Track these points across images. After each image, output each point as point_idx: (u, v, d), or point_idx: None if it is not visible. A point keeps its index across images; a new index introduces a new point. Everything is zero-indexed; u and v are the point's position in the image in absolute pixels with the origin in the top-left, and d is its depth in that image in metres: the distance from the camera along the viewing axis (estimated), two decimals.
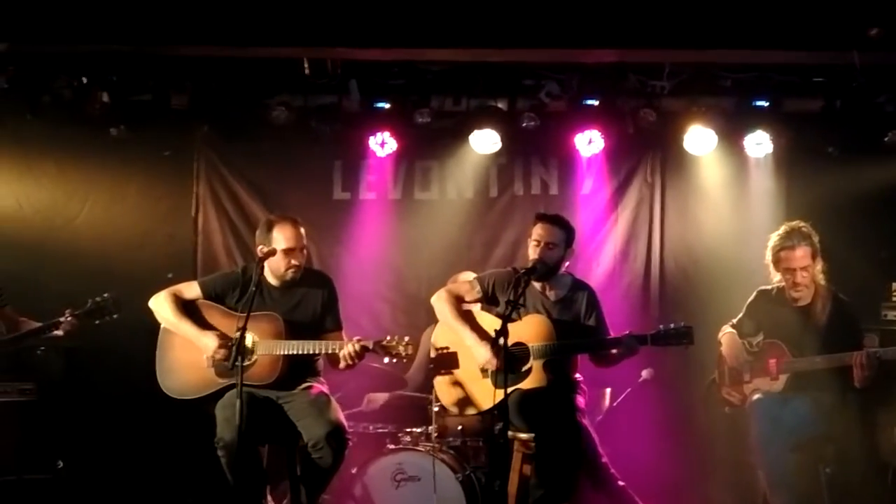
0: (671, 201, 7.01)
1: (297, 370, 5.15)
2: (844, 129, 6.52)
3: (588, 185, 7.00)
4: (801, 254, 5.34)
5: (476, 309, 5.44)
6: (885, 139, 6.42)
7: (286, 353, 5.04)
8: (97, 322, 5.57)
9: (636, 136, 6.69)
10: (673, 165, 6.97)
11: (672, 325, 5.15)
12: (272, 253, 5.10)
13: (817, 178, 6.63)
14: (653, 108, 6.49)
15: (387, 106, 6.72)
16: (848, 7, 5.63)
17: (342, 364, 5.05)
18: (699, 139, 6.53)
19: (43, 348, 6.10)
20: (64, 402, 6.26)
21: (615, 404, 6.27)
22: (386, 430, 5.86)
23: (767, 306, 5.51)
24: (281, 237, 5.15)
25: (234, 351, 4.69)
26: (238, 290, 5.22)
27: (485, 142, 6.63)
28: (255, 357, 5.05)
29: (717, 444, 6.37)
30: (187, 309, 5.19)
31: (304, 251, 5.28)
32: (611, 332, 5.28)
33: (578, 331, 5.25)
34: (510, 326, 4.84)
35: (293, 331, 5.10)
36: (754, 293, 5.59)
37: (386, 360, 5.08)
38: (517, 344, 5.09)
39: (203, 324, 5.16)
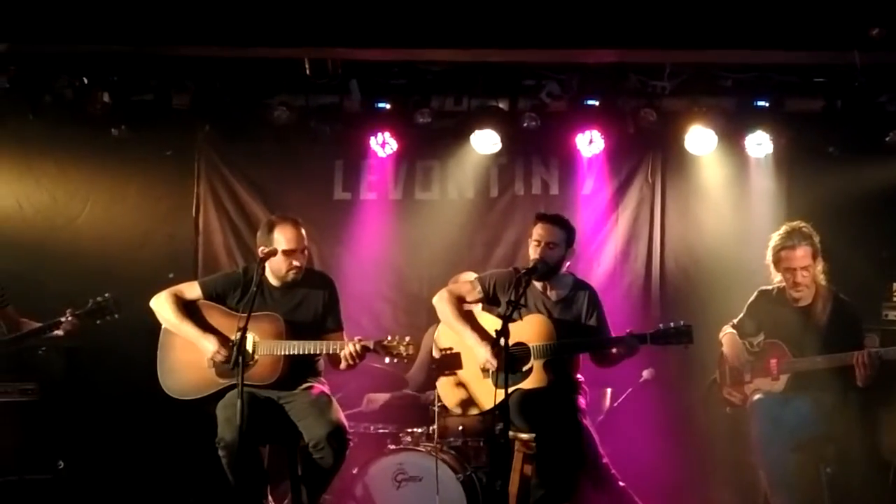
0: (672, 201, 7.01)
1: (298, 370, 5.15)
2: (845, 129, 6.51)
3: (589, 185, 7.00)
4: (802, 254, 5.34)
5: (477, 309, 5.45)
6: (886, 139, 6.41)
7: (287, 353, 5.05)
8: (98, 322, 5.57)
9: (637, 136, 6.69)
10: (674, 165, 6.97)
11: (672, 325, 5.15)
12: (273, 253, 5.11)
13: (818, 178, 6.63)
14: (653, 108, 6.49)
15: (387, 106, 6.72)
16: (849, 7, 5.63)
17: (343, 364, 5.06)
18: (700, 139, 6.52)
19: (44, 348, 6.09)
20: (65, 403, 6.26)
21: (616, 404, 6.27)
22: (387, 431, 5.86)
23: (768, 306, 5.51)
24: (282, 238, 5.15)
25: (235, 351, 4.70)
26: (239, 291, 5.23)
27: (485, 142, 6.63)
28: (255, 357, 5.06)
29: (718, 445, 6.36)
30: (188, 309, 5.20)
31: (306, 252, 5.28)
32: (612, 332, 5.28)
33: (579, 330, 5.25)
34: (511, 326, 4.84)
35: (294, 331, 5.11)
36: (755, 293, 5.60)
37: (387, 360, 5.09)
38: (518, 344, 5.09)
39: (204, 324, 5.16)
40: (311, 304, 5.25)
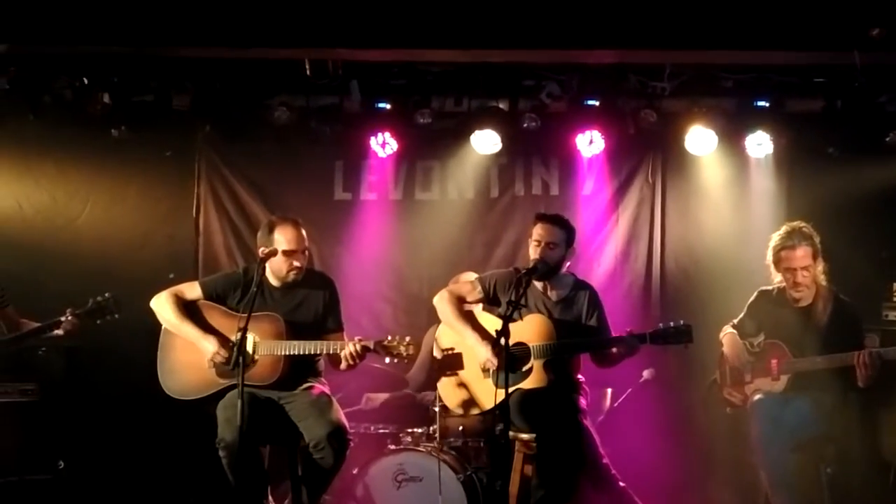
0: (672, 202, 7.01)
1: (298, 370, 5.15)
2: (845, 130, 6.51)
3: (589, 185, 7.00)
4: (802, 254, 5.34)
5: (478, 310, 5.45)
6: (886, 139, 6.41)
7: (287, 353, 5.05)
8: (98, 321, 5.56)
9: (637, 136, 6.69)
10: (674, 166, 6.97)
11: (672, 324, 5.14)
12: (273, 253, 5.11)
13: (818, 179, 6.63)
14: (653, 109, 6.49)
15: (388, 106, 6.72)
16: (849, 7, 5.63)
17: (343, 364, 5.06)
18: (700, 140, 6.52)
19: (44, 349, 6.10)
20: (65, 403, 6.26)
21: (616, 405, 6.27)
22: (387, 431, 5.86)
23: (768, 307, 5.51)
24: (282, 239, 5.15)
25: (235, 351, 4.70)
26: (239, 291, 5.23)
27: (486, 142, 6.63)
28: (256, 357, 5.06)
29: (718, 445, 6.36)
30: (188, 310, 5.20)
31: (306, 253, 5.28)
32: (612, 333, 5.28)
33: (580, 330, 5.25)
34: (511, 326, 4.83)
35: (294, 331, 5.11)
36: (755, 293, 5.60)
37: (387, 360, 5.09)
38: (518, 344, 5.09)
39: (204, 325, 5.16)
40: (312, 305, 5.26)
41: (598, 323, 5.29)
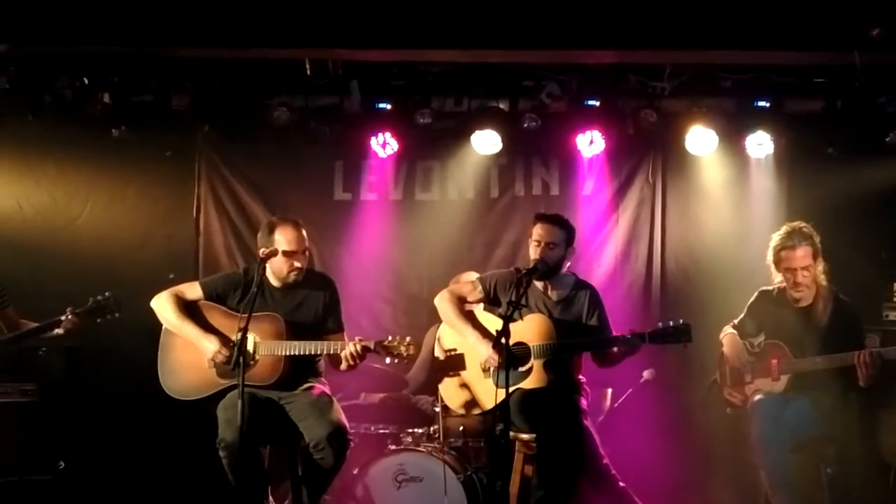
0: (672, 202, 7.01)
1: (298, 371, 5.15)
2: (845, 130, 6.52)
3: (589, 185, 7.00)
4: (802, 254, 5.34)
5: (478, 310, 5.45)
6: (886, 140, 6.41)
7: (288, 353, 5.05)
8: (98, 321, 5.52)
9: (637, 136, 6.69)
10: (674, 166, 6.98)
11: (671, 323, 5.13)
12: (274, 254, 5.11)
13: (818, 179, 6.63)
14: (653, 109, 6.49)
15: (388, 107, 6.72)
16: (849, 7, 5.63)
17: (343, 365, 5.06)
18: (700, 140, 6.52)
19: (44, 349, 6.10)
20: (65, 403, 6.26)
21: (616, 405, 6.27)
22: (387, 431, 5.86)
23: (769, 307, 5.51)
24: (283, 239, 5.15)
25: (236, 352, 4.70)
26: (240, 291, 5.23)
27: (486, 142, 6.63)
28: (256, 358, 5.06)
29: (718, 445, 6.36)
30: (189, 310, 5.20)
31: (307, 253, 5.28)
32: (613, 332, 5.28)
33: (580, 330, 5.25)
34: (512, 326, 4.83)
35: (294, 332, 5.11)
36: (755, 294, 5.60)
37: (387, 360, 5.09)
38: (518, 343, 5.09)
39: (205, 325, 5.16)
40: (312, 305, 5.26)
41: (598, 322, 5.28)
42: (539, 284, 5.30)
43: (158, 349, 5.23)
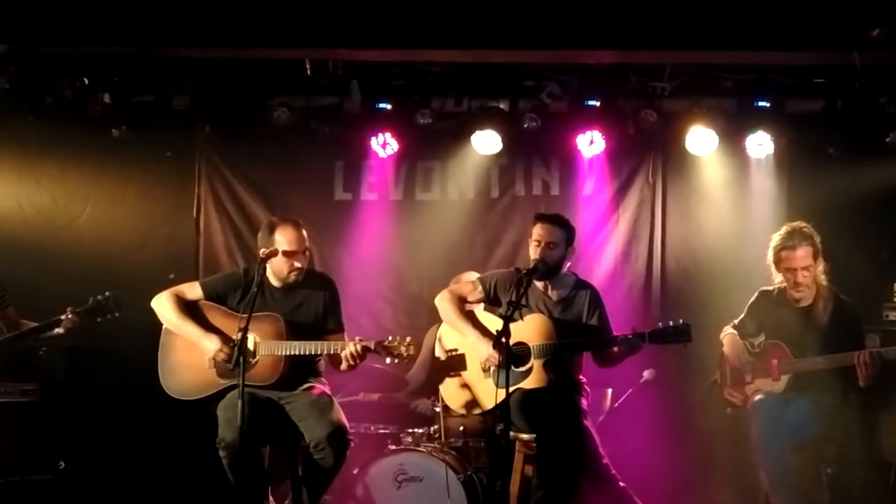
0: (672, 202, 7.01)
1: (298, 371, 5.15)
2: (845, 130, 6.52)
3: (589, 185, 7.00)
4: (803, 254, 5.35)
5: (479, 310, 5.45)
6: (887, 140, 6.41)
7: (288, 353, 5.05)
8: (98, 320, 5.51)
9: (637, 136, 6.69)
10: (674, 166, 6.97)
11: (671, 323, 5.12)
12: (274, 254, 5.11)
13: (818, 179, 6.63)
14: (654, 109, 6.49)
15: (388, 107, 6.72)
16: (849, 7, 5.63)
17: (344, 365, 5.06)
18: (700, 140, 6.52)
19: (45, 349, 6.10)
20: (66, 403, 6.26)
21: (616, 405, 6.27)
22: (387, 431, 5.86)
23: (769, 307, 5.52)
24: (283, 239, 5.15)
25: (236, 351, 4.70)
26: (240, 291, 5.23)
27: (486, 142, 6.63)
28: (256, 358, 5.06)
29: (719, 445, 6.36)
30: (189, 310, 5.20)
31: (307, 253, 5.28)
32: (614, 332, 5.27)
33: (580, 330, 5.25)
34: (512, 326, 4.84)
35: (295, 332, 5.11)
36: (756, 294, 5.60)
37: (388, 360, 5.09)
38: (518, 343, 5.09)
39: (205, 325, 5.16)
40: (312, 305, 5.26)
41: (598, 322, 5.28)
42: (539, 284, 5.30)
43: (158, 349, 5.23)
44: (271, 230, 5.19)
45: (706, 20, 5.72)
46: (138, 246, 6.94)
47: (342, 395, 5.75)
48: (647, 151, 6.98)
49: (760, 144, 6.56)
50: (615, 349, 5.17)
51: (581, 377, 5.38)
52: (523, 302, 5.02)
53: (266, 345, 5.07)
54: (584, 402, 5.29)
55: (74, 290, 5.81)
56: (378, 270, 7.03)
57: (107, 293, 5.53)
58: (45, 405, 5.93)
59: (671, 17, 5.72)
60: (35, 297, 6.08)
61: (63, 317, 5.46)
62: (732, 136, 6.58)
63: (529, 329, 5.17)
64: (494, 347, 4.99)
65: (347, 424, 5.09)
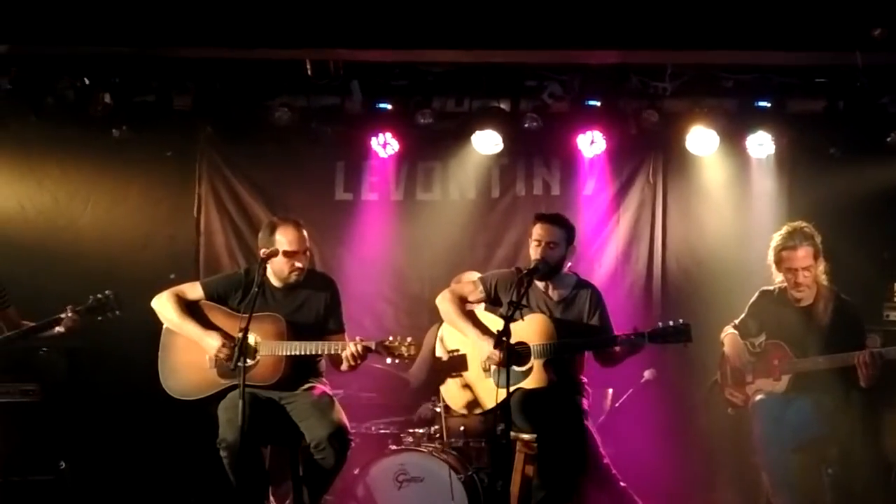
0: (673, 202, 7.01)
1: (299, 371, 5.15)
2: (847, 130, 6.51)
3: (590, 185, 7.00)
4: (804, 254, 5.34)
5: (479, 310, 5.45)
6: (888, 140, 6.41)
7: (289, 353, 5.05)
8: (99, 318, 5.49)
9: (638, 136, 6.69)
10: (675, 166, 6.97)
11: (671, 323, 5.12)
12: (274, 254, 5.11)
13: (819, 179, 6.63)
14: (655, 109, 6.49)
15: (389, 107, 6.72)
16: (850, 7, 5.63)
17: (345, 365, 5.06)
18: (701, 140, 6.52)
19: (46, 349, 6.10)
20: (67, 404, 6.26)
21: (617, 405, 6.27)
22: (388, 431, 5.87)
23: (770, 307, 5.51)
24: (284, 240, 5.15)
25: (237, 351, 4.70)
26: (241, 292, 5.23)
27: (487, 142, 6.63)
28: (257, 358, 5.06)
29: (720, 445, 6.36)
30: (190, 309, 5.20)
31: (308, 254, 5.28)
32: (615, 332, 5.27)
33: (581, 330, 5.24)
34: (513, 326, 4.84)
35: (296, 332, 5.11)
36: (756, 294, 5.60)
37: (389, 360, 5.09)
38: (519, 343, 5.09)
39: (206, 324, 5.16)
40: (313, 306, 5.26)
41: (599, 322, 5.28)
42: (540, 284, 5.30)
43: (159, 349, 5.23)
44: (272, 230, 5.19)
45: (707, 20, 5.72)
46: (139, 246, 6.94)
47: (342, 394, 5.73)
48: (648, 151, 6.98)
49: (761, 144, 6.56)
50: (616, 349, 5.16)
51: (582, 377, 5.37)
52: (524, 302, 5.03)
53: (267, 345, 5.07)
54: (585, 403, 5.29)
55: (76, 290, 5.81)
56: (379, 270, 7.03)
57: (107, 292, 5.52)
58: (45, 405, 5.95)
59: (672, 17, 5.72)
60: (36, 298, 6.08)
61: (63, 315, 5.44)
62: (733, 137, 6.57)
63: (530, 329, 5.17)
64: (495, 347, 4.99)
65: (348, 424, 5.09)
